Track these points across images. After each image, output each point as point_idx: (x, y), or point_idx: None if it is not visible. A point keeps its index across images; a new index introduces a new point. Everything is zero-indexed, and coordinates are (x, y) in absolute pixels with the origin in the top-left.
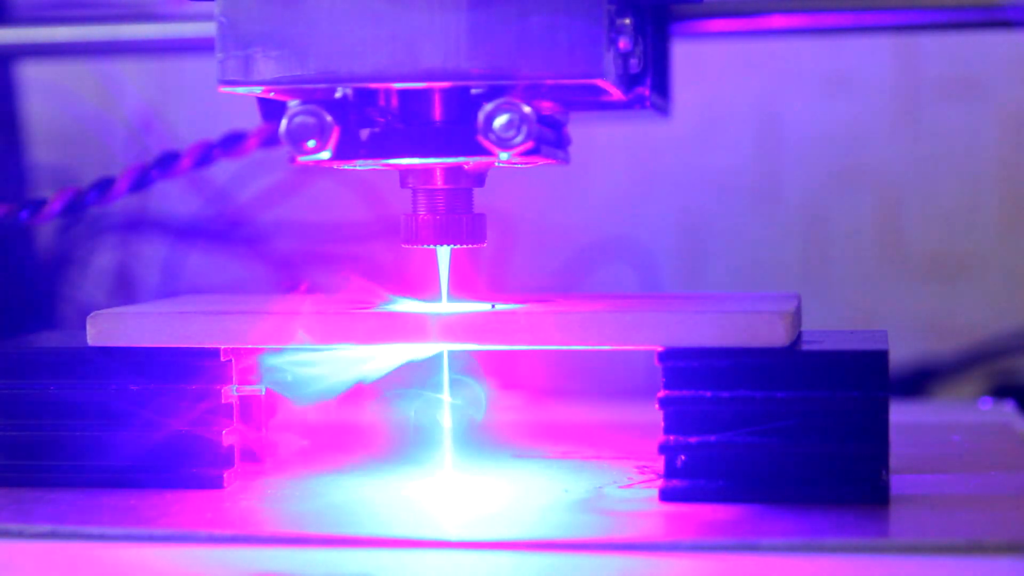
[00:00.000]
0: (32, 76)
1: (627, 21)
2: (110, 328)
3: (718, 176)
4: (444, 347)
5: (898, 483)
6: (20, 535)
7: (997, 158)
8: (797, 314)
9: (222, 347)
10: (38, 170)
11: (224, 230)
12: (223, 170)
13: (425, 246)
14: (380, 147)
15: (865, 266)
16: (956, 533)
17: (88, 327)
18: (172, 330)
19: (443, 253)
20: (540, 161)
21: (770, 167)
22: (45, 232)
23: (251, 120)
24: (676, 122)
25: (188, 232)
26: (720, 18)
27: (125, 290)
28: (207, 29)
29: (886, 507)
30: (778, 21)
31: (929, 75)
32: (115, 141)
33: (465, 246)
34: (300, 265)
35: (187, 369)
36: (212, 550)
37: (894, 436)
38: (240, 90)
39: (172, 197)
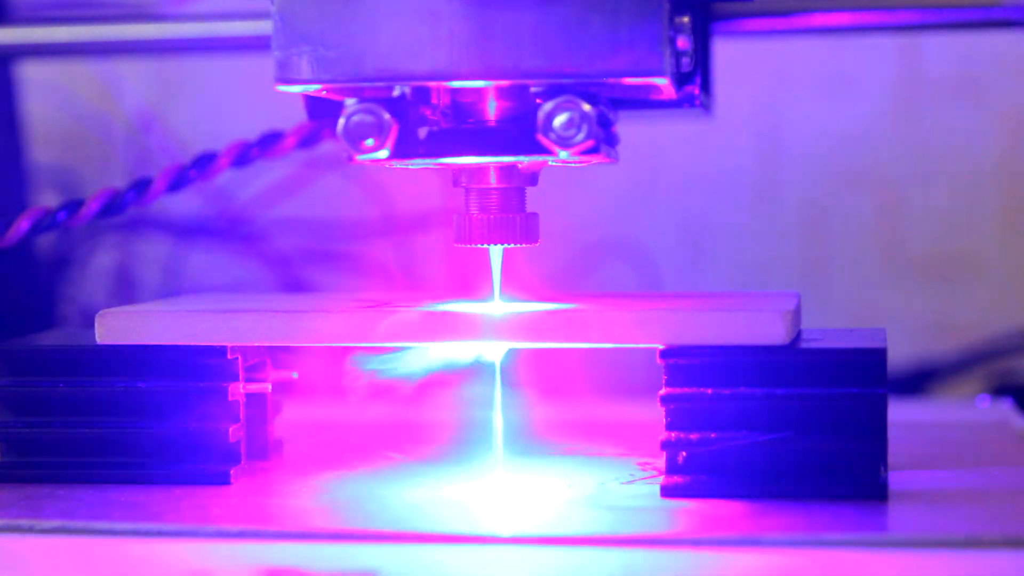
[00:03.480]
0: (32, 76)
1: (685, 20)
2: (118, 326)
3: (718, 176)
4: (447, 347)
5: (897, 479)
6: (30, 530)
7: (997, 158)
8: (797, 313)
9: (229, 345)
10: (38, 170)
11: (225, 229)
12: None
13: (479, 245)
14: (438, 146)
15: (865, 266)
16: (954, 528)
17: (96, 325)
18: (179, 328)
19: (496, 252)
20: (597, 160)
21: (770, 167)
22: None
23: (252, 120)
24: (677, 122)
25: (189, 231)
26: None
27: (126, 290)
28: (207, 29)
29: (885, 503)
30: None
31: (929, 75)
32: (115, 141)
33: (518, 245)
34: (302, 263)
35: (194, 367)
36: (219, 545)
37: (893, 434)
38: (297, 89)
39: (172, 196)
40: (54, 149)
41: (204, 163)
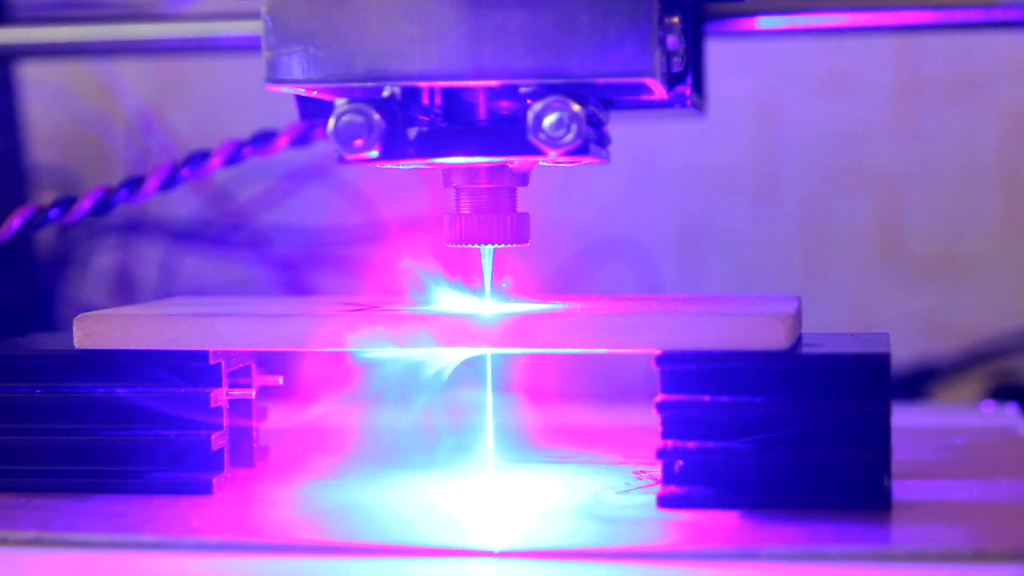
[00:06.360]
0: (32, 76)
1: (675, 20)
2: (97, 330)
3: (718, 176)
4: (435, 351)
5: (900, 488)
6: (4, 542)
7: (997, 158)
8: (797, 316)
9: (211, 349)
10: (38, 170)
11: (223, 231)
12: (220, 172)
13: (469, 245)
14: (428, 146)
15: (865, 266)
16: (959, 540)
17: (75, 329)
18: (160, 332)
19: (487, 253)
20: (586, 160)
21: (770, 167)
22: (45, 232)
23: (252, 120)
24: (675, 122)
25: (188, 233)
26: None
27: (124, 291)
28: (207, 29)
29: (888, 513)
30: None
31: (929, 75)
32: (115, 141)
33: (509, 245)
34: (300, 266)
35: (176, 372)
36: (200, 558)
37: (895, 440)
38: (287, 89)
39: (170, 199)
40: (54, 149)
41: (197, 162)
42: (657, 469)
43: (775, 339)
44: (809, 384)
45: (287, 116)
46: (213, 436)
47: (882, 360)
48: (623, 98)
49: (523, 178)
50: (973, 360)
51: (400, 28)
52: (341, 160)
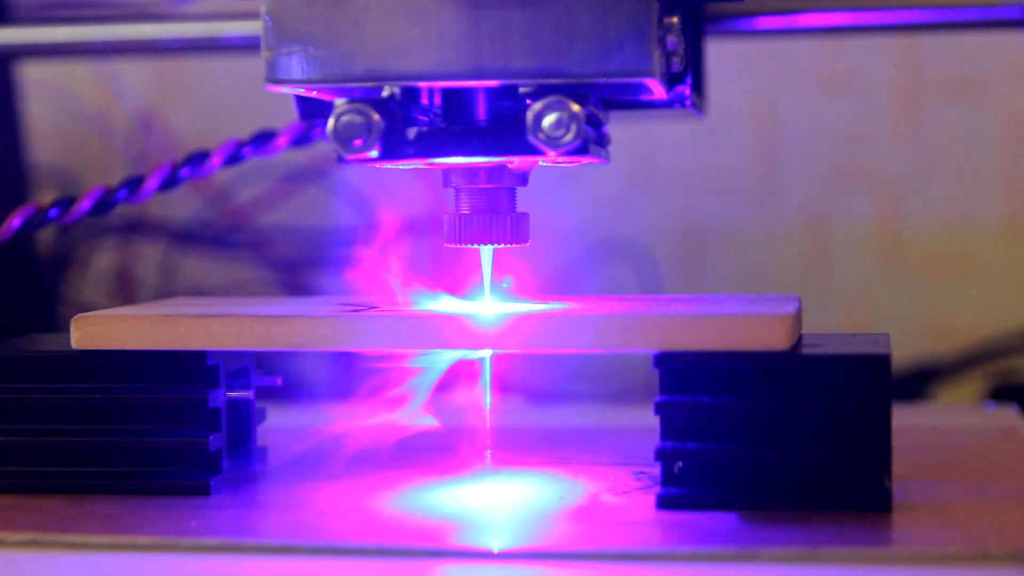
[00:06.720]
0: (32, 76)
1: (675, 20)
2: (94, 331)
3: (718, 176)
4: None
5: (900, 489)
6: (1, 544)
7: (998, 159)
8: (797, 317)
9: (209, 350)
10: (38, 170)
11: (222, 232)
12: (220, 172)
13: (468, 245)
14: (428, 146)
15: (865, 266)
16: (961, 542)
17: (73, 330)
18: (157, 333)
19: (486, 253)
20: (586, 160)
21: (770, 167)
22: (45, 232)
23: (252, 120)
24: (676, 122)
25: (186, 234)
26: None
27: (124, 291)
28: (207, 29)
29: (888, 515)
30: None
31: (930, 75)
32: (115, 141)
33: (509, 245)
34: (297, 267)
35: (174, 373)
36: (198, 559)
37: (896, 441)
38: (286, 89)
39: (170, 199)
40: (54, 149)
41: (197, 162)
42: (657, 470)
43: (775, 339)
44: (809, 385)
45: (287, 116)
46: (211, 437)
47: (882, 361)
48: (623, 98)
49: (523, 178)
50: (973, 360)
51: (400, 28)
52: (341, 160)
